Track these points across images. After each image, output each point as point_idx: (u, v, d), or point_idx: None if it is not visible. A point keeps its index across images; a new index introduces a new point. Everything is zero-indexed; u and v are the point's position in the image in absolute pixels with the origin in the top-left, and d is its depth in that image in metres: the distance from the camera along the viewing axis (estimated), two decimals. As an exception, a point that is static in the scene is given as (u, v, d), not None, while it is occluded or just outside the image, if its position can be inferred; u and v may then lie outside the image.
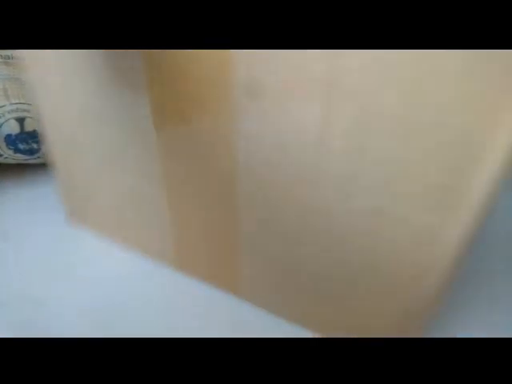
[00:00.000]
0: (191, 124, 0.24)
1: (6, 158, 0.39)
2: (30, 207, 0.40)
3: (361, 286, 0.25)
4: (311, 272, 0.26)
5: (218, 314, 0.31)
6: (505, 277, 0.34)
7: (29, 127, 0.37)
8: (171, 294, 0.33)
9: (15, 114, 0.36)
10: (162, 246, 0.33)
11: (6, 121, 0.36)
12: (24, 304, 0.32)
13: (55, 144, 0.32)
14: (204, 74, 0.22)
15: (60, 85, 0.28)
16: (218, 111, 0.23)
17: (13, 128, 0.37)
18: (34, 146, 0.38)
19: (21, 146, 0.38)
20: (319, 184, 0.22)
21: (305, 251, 0.25)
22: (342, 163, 0.21)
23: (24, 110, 0.36)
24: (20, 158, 0.39)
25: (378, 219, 0.21)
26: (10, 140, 0.37)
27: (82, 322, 0.31)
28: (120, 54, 0.24)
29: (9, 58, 0.35)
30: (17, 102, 0.36)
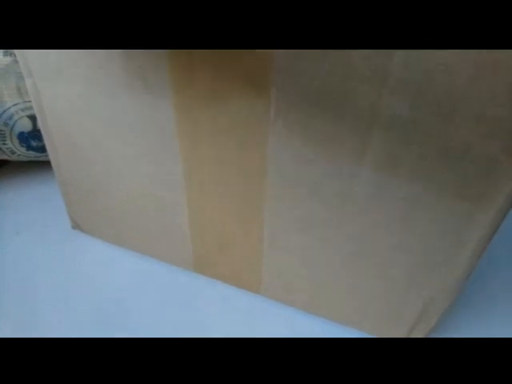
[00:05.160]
0: (219, 125, 0.24)
1: (19, 155, 0.40)
2: (41, 204, 0.40)
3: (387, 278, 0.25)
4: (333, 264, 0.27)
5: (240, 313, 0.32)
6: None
7: (41, 125, 0.38)
8: (187, 293, 0.33)
9: (28, 112, 0.36)
10: (179, 249, 0.33)
11: (20, 118, 0.37)
12: (30, 302, 0.33)
13: (61, 151, 0.32)
14: (239, 74, 0.21)
15: (69, 91, 0.27)
16: (251, 110, 0.22)
17: (26, 126, 0.37)
18: (46, 143, 0.39)
19: (33, 144, 0.39)
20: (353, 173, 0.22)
21: (329, 245, 0.26)
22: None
23: (37, 108, 0.37)
24: (32, 155, 0.40)
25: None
26: (23, 137, 0.38)
27: (89, 321, 0.32)
28: (143, 54, 0.23)
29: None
30: (30, 99, 0.36)
